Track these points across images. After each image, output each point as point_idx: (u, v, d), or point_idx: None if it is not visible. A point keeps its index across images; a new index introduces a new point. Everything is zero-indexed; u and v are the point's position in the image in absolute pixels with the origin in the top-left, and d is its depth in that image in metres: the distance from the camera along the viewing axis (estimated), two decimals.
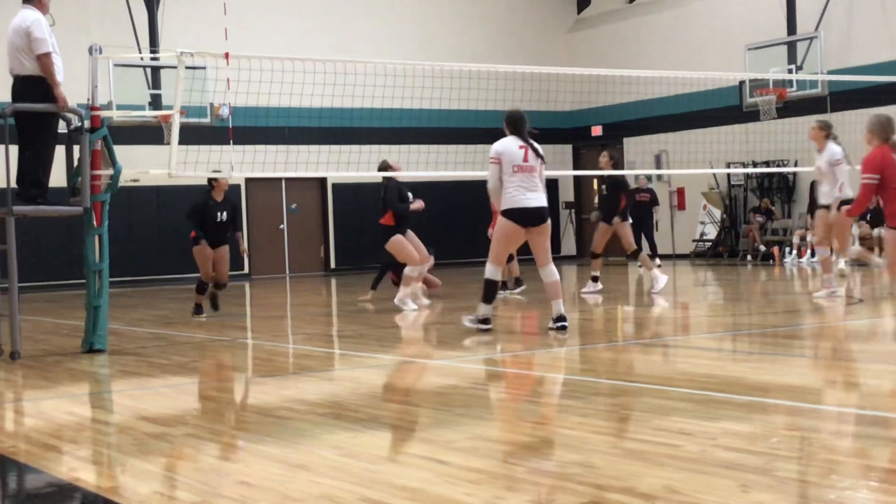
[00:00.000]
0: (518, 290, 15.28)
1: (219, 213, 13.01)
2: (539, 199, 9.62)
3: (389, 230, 13.10)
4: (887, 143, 9.12)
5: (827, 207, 12.15)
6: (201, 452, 5.17)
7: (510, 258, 15.10)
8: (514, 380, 7.39)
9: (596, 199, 18.24)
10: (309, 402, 6.55)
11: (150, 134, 20.29)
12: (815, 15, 22.11)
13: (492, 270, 9.73)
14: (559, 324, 9.65)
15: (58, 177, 9.92)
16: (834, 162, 12.13)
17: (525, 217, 9.56)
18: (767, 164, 22.80)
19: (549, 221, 9.73)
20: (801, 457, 4.62)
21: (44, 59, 9.14)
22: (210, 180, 13.03)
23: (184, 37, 20.40)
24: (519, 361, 8.47)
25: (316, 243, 25.01)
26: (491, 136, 27.37)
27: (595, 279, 14.90)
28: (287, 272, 24.20)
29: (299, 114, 19.02)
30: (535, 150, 9.67)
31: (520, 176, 9.49)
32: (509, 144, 9.64)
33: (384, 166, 13.58)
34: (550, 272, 9.67)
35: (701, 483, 4.14)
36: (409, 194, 13.41)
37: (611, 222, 14.64)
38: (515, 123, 9.76)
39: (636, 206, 21.41)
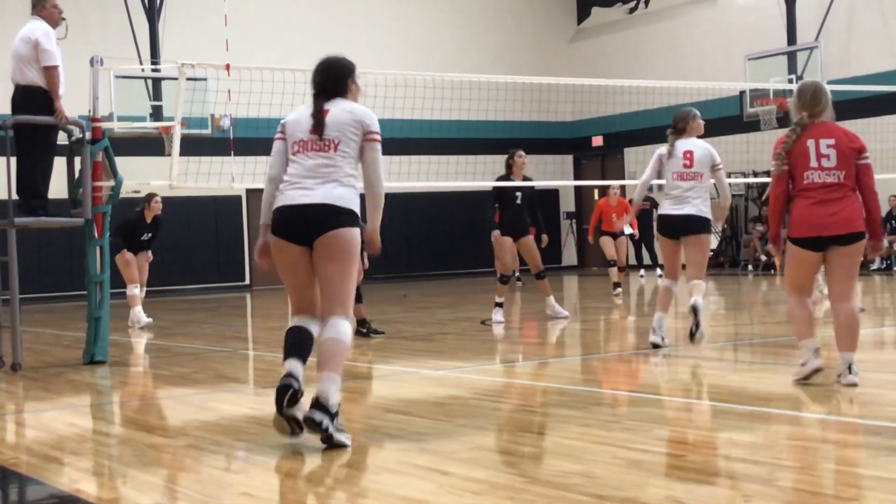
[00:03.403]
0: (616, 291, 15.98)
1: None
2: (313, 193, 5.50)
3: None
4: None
5: None
6: (202, 463, 5.16)
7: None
8: (515, 390, 7.39)
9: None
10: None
11: (152, 145, 20.30)
12: (815, 25, 22.15)
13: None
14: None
15: (59, 188, 9.92)
16: None
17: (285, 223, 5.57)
18: (768, 173, 22.78)
19: (335, 233, 5.43)
20: (804, 467, 4.61)
21: (51, 72, 9.17)
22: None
23: (185, 48, 20.42)
24: (520, 371, 8.46)
25: None
26: (492, 146, 27.48)
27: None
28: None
29: None
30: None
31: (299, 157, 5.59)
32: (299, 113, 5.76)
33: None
34: (330, 327, 5.45)
35: (702, 493, 4.13)
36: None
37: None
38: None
39: (637, 215, 21.41)
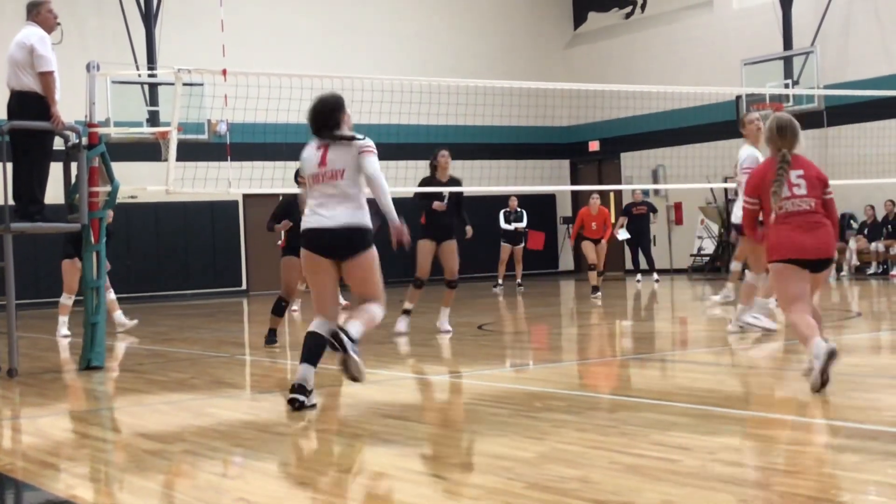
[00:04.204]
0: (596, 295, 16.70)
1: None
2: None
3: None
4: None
5: None
6: (199, 469, 5.15)
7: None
8: (511, 395, 7.38)
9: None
10: (308, 418, 6.54)
11: (148, 151, 20.30)
12: (811, 30, 22.19)
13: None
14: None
15: (55, 194, 9.92)
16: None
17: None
18: None
19: (361, 256, 6.58)
20: (800, 471, 4.61)
21: (47, 78, 9.16)
22: None
23: (181, 53, 20.42)
24: (517, 376, 8.46)
25: None
26: (489, 151, 27.39)
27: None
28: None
29: (297, 130, 18.91)
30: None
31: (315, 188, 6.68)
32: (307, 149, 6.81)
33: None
34: (367, 306, 6.70)
35: (700, 498, 4.13)
36: None
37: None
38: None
39: (633, 219, 21.47)
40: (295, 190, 10.89)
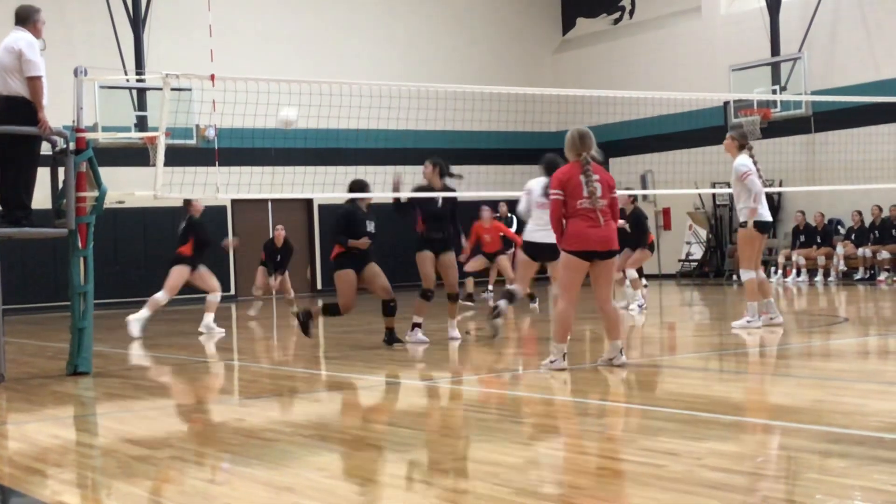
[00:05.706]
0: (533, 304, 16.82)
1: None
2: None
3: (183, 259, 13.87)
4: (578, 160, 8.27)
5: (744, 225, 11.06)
6: (186, 475, 5.15)
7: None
8: (500, 401, 7.39)
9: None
10: (295, 423, 6.54)
11: (136, 156, 20.27)
12: (798, 36, 22.27)
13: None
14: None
15: (43, 199, 9.89)
16: (741, 175, 11.02)
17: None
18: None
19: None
20: (787, 476, 4.62)
21: (35, 83, 9.13)
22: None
23: (170, 58, 20.42)
24: (505, 382, 8.46)
25: (302, 264, 24.98)
26: (477, 156, 27.34)
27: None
28: (273, 293, 24.13)
29: (285, 135, 19.02)
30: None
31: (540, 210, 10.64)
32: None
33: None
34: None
35: (687, 503, 4.14)
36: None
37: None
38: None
39: None
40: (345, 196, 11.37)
